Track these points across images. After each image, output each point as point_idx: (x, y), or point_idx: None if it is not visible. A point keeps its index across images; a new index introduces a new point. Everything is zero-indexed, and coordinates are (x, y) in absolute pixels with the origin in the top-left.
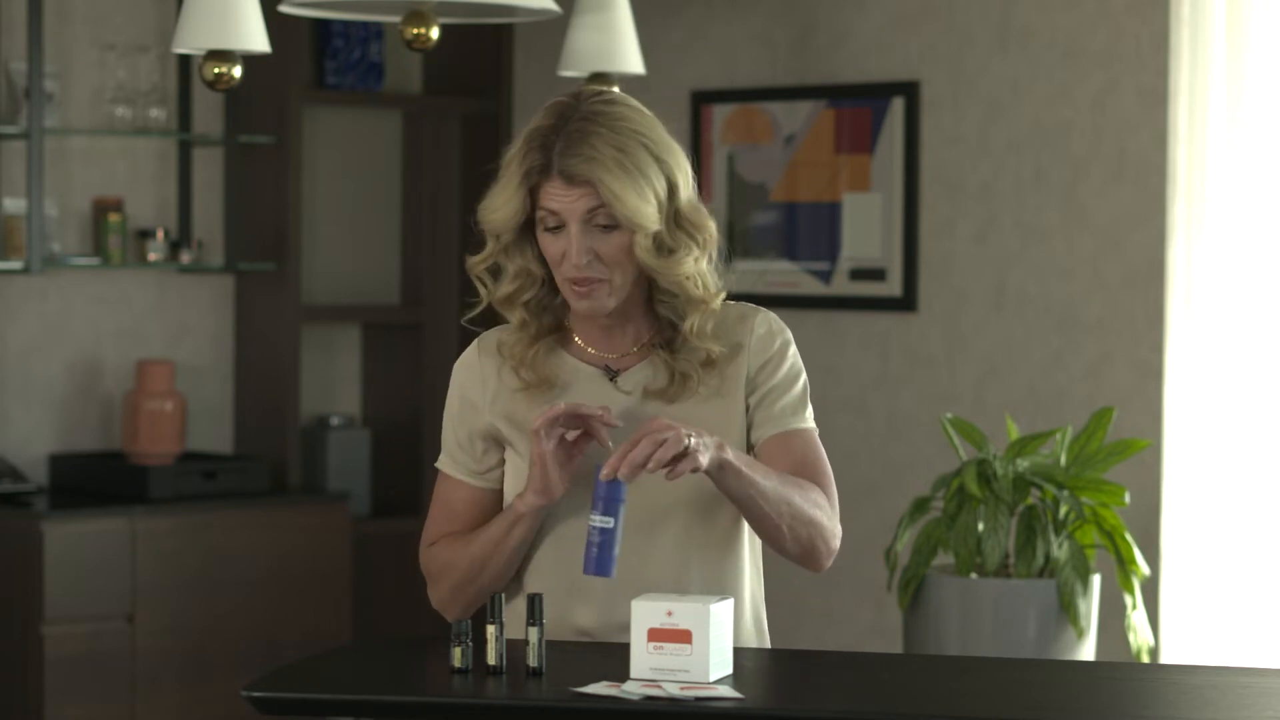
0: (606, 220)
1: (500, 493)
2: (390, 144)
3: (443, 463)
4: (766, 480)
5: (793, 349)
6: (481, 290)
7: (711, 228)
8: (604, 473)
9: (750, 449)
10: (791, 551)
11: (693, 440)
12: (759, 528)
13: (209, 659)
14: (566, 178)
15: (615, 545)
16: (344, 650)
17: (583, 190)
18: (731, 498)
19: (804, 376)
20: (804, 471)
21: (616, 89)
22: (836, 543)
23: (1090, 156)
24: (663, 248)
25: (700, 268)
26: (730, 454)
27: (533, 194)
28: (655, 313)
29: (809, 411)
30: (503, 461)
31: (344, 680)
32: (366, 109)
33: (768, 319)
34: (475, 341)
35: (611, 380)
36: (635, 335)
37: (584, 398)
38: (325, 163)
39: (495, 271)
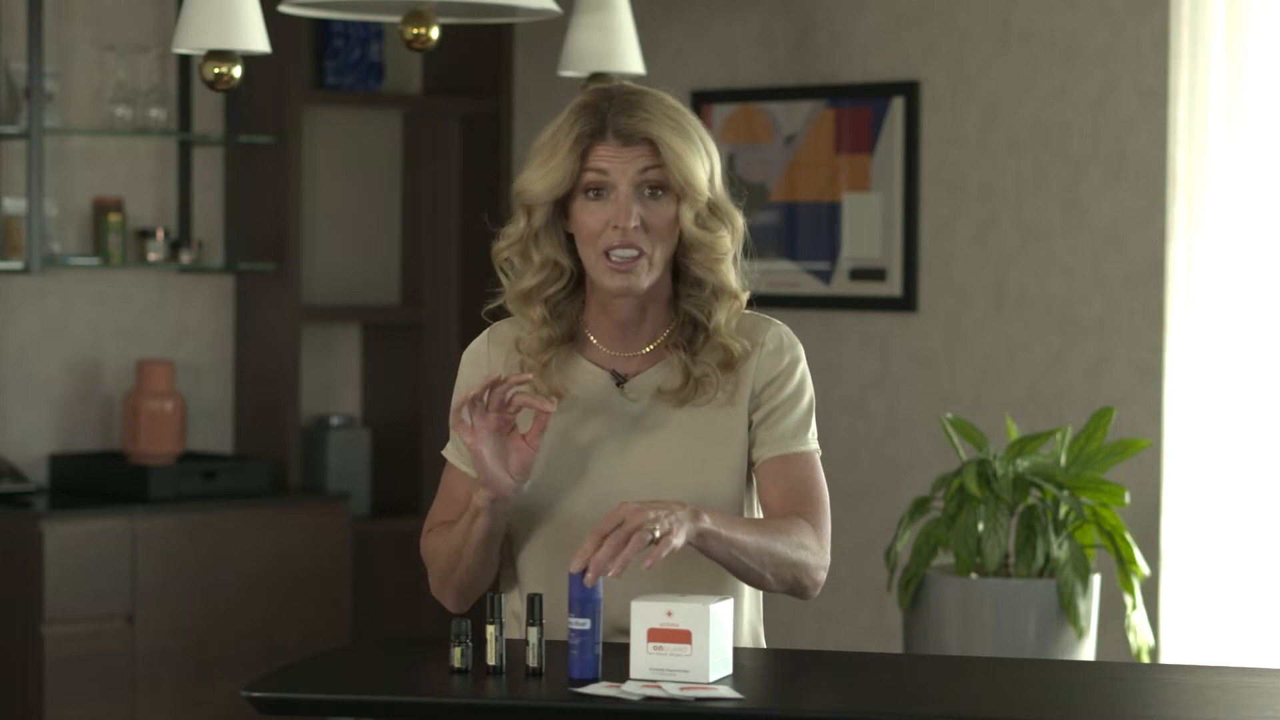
0: (656, 185)
1: None
2: (390, 144)
3: (448, 450)
4: (748, 536)
5: (801, 365)
6: (505, 282)
7: (740, 222)
8: (574, 566)
9: (750, 466)
10: (775, 589)
11: (660, 526)
12: (741, 577)
13: (209, 659)
14: (623, 137)
15: (596, 645)
16: (344, 650)
17: (638, 150)
18: (714, 559)
19: (810, 394)
20: (798, 497)
21: None
22: (823, 574)
23: (1090, 156)
24: (704, 226)
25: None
26: (708, 520)
27: (580, 162)
28: (674, 310)
29: (811, 432)
30: None
31: (344, 680)
32: (366, 109)
33: (779, 333)
34: (486, 331)
35: (619, 386)
36: (652, 333)
37: (590, 406)
38: (325, 163)
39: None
